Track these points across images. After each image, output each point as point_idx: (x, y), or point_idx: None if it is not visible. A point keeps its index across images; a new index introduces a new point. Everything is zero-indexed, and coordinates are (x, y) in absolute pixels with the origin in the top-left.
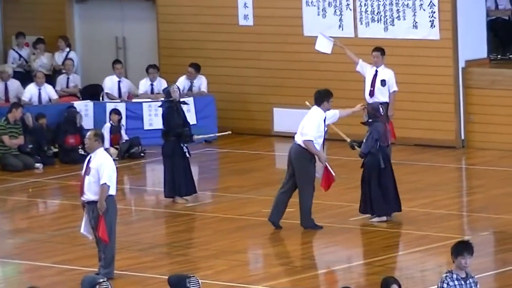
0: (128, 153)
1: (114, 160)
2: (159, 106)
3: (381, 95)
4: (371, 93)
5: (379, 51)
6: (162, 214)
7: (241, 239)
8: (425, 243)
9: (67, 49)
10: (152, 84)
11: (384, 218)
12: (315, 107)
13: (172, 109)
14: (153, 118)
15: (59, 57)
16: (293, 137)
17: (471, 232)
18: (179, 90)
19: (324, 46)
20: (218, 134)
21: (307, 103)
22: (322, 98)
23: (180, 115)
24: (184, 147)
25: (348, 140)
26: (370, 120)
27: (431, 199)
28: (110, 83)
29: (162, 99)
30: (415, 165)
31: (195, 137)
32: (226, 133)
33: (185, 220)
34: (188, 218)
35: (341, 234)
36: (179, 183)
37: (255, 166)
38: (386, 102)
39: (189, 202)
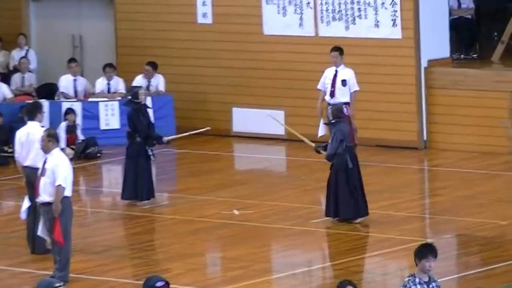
0: (84, 154)
1: (69, 160)
2: (123, 105)
3: (342, 96)
4: (332, 94)
5: (337, 51)
6: (118, 216)
7: (199, 241)
8: (387, 246)
9: (26, 47)
10: (109, 83)
11: (366, 216)
12: (31, 122)
13: (138, 111)
14: (109, 117)
15: (18, 55)
16: (253, 138)
17: (433, 235)
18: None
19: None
20: (195, 132)
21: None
22: (36, 110)
23: (145, 117)
24: (149, 150)
25: (313, 145)
26: (333, 121)
27: (393, 201)
28: (65, 82)
29: (119, 98)
30: (376, 166)
31: (166, 138)
32: (205, 129)
33: (143, 222)
34: (145, 220)
35: (301, 237)
36: (141, 186)
37: (214, 167)
38: (347, 102)
39: (147, 205)
